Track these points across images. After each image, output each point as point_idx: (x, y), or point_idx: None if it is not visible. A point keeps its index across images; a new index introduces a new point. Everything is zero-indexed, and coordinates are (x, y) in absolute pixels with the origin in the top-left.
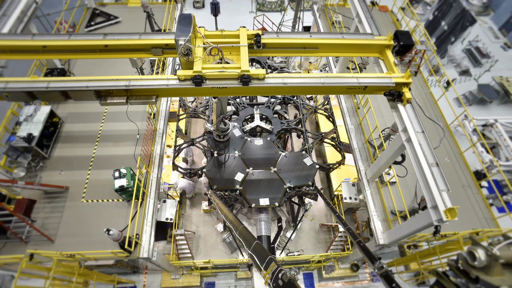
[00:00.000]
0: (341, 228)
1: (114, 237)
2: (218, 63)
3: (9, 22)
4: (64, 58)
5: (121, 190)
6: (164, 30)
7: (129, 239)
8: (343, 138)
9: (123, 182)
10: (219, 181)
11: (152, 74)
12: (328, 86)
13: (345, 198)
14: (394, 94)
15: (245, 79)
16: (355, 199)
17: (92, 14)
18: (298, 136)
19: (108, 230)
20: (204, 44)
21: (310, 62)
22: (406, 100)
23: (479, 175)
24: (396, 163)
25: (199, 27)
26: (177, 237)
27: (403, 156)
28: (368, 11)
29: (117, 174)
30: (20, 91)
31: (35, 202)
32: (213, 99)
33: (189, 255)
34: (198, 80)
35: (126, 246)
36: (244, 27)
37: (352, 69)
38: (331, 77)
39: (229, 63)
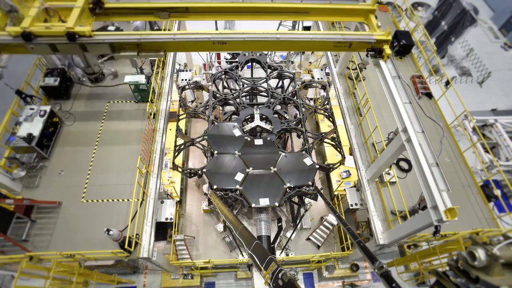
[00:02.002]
0: (329, 218)
1: (114, 237)
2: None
3: None
4: None
5: (137, 87)
6: None
7: (129, 239)
8: (343, 138)
9: (141, 78)
10: (219, 181)
11: (152, 73)
12: (317, 41)
13: (351, 205)
14: (376, 50)
15: (70, 35)
16: (361, 204)
17: None
18: (298, 136)
19: (108, 230)
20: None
21: (310, 62)
22: (386, 56)
23: (489, 195)
24: (403, 170)
25: None
26: (177, 242)
27: (410, 164)
28: None
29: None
30: (44, 43)
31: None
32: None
33: (189, 260)
34: (27, 35)
35: (126, 246)
36: None
37: (353, 69)
38: (320, 33)
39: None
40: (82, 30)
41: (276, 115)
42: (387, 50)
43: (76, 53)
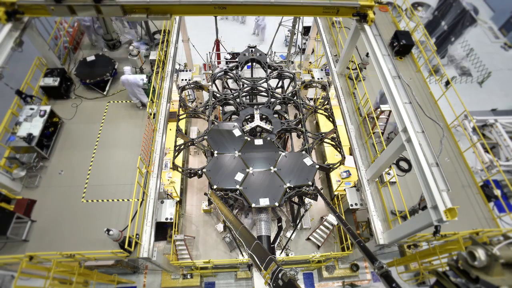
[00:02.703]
0: (329, 218)
1: (114, 237)
2: None
3: None
4: None
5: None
6: None
7: (129, 239)
8: (343, 138)
9: (142, 76)
10: (219, 181)
11: (152, 74)
12: (308, 6)
13: (351, 205)
14: (361, 14)
15: None
16: (361, 204)
17: None
18: (298, 136)
19: (108, 230)
20: None
21: (310, 62)
22: (370, 20)
23: (489, 195)
24: (403, 170)
25: None
26: (177, 242)
27: (410, 164)
28: None
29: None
30: (63, 4)
31: (35, 202)
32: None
33: (189, 260)
34: None
35: (126, 246)
36: None
37: (353, 69)
38: None
39: None
40: None
41: (276, 115)
42: (371, 14)
43: (92, 15)
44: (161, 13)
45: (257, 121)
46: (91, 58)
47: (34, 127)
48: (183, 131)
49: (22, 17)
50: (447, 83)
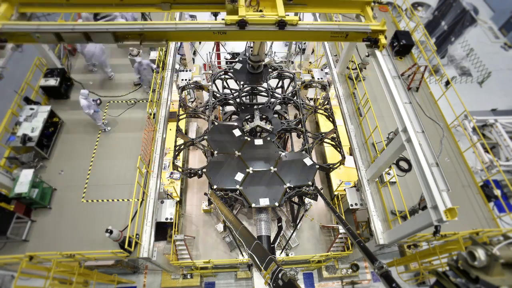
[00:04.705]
0: (341, 230)
1: (114, 237)
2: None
3: None
4: (83, 11)
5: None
6: None
7: (129, 239)
8: (343, 138)
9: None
10: (219, 181)
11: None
12: (315, 31)
13: (351, 205)
14: (372, 40)
15: (281, 23)
16: (361, 204)
17: None
18: (298, 136)
19: (108, 231)
20: None
21: (310, 62)
22: (382, 46)
23: (489, 195)
24: (403, 170)
25: None
26: (177, 242)
27: (410, 164)
28: None
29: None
30: (50, 32)
31: None
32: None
33: (189, 260)
34: (243, 23)
35: (126, 246)
36: None
37: (353, 69)
38: (317, 24)
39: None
40: (291, 19)
41: (276, 115)
42: (383, 40)
43: (81, 42)
44: (156, 39)
45: (257, 121)
46: None
47: (34, 127)
48: (183, 131)
49: (5, 44)
50: (447, 83)
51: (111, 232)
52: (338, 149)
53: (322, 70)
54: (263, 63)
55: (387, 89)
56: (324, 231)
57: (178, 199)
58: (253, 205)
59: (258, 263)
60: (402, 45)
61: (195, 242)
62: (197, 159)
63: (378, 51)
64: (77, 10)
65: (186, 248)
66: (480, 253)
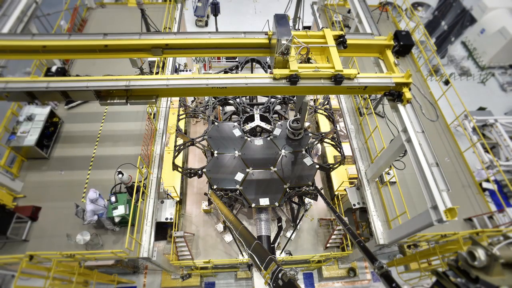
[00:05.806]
0: (339, 226)
1: (124, 180)
2: (300, 62)
3: (9, 22)
4: (64, 58)
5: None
6: (164, 30)
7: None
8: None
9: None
10: (219, 181)
11: (151, 74)
12: (328, 86)
13: (354, 205)
14: (394, 94)
15: (339, 78)
16: (363, 203)
17: None
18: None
19: (119, 173)
20: (294, 44)
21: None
22: (406, 100)
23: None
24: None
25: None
26: (177, 239)
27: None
28: (368, 11)
29: (113, 198)
30: (20, 91)
31: (40, 209)
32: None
33: (189, 257)
34: (295, 79)
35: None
36: (326, 28)
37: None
38: (373, 76)
39: (311, 63)
40: (349, 73)
41: (276, 115)
42: (407, 94)
43: (60, 100)
44: (144, 97)
45: (257, 121)
46: None
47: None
48: (183, 131)
49: None
50: (447, 82)
51: (122, 174)
52: (338, 149)
53: None
54: (304, 128)
55: (413, 153)
56: (323, 225)
57: (178, 199)
58: (253, 205)
59: (258, 263)
60: (402, 45)
61: (194, 241)
62: (197, 159)
63: (401, 105)
64: (56, 56)
65: (186, 245)
66: (480, 253)
